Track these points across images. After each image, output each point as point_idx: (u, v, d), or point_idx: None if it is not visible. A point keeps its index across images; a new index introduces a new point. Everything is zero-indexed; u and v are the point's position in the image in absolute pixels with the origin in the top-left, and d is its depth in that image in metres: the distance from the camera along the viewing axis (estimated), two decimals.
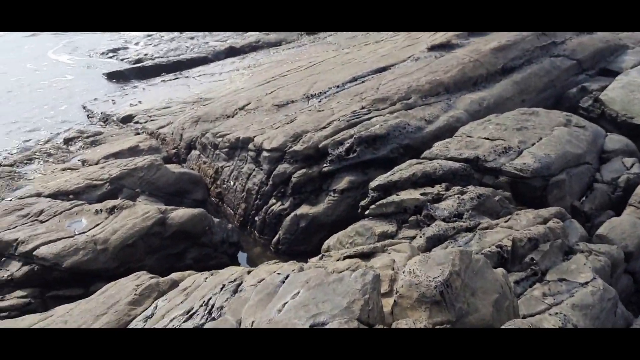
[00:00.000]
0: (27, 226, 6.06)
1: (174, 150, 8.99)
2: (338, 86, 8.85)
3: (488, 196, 5.89)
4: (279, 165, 7.16)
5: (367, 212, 6.00)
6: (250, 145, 7.58)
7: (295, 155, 7.08)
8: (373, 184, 6.33)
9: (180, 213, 6.13)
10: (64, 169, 8.04)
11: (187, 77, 13.44)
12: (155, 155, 8.54)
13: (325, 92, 8.74)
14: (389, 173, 6.41)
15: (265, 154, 7.29)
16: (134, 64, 15.73)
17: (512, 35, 9.61)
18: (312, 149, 7.07)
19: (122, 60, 16.58)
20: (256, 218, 7.28)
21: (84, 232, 5.89)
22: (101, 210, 6.19)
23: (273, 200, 7.12)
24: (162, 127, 9.74)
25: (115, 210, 6.13)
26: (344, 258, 4.54)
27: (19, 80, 15.22)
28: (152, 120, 10.25)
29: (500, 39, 9.51)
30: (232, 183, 7.71)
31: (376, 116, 7.47)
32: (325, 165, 6.96)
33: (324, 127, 7.38)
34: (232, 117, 8.93)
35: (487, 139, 6.74)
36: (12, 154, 9.76)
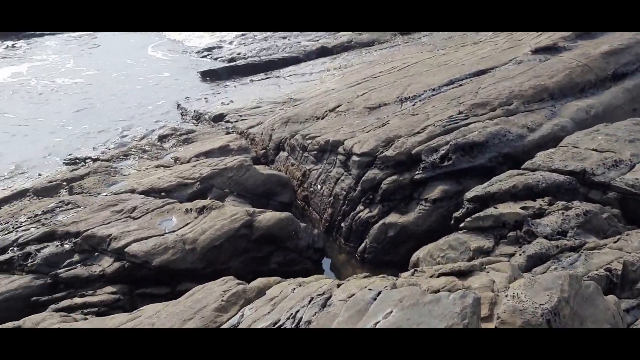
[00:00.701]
0: (121, 222, 6.19)
1: (263, 151, 8.99)
2: (434, 89, 8.51)
3: (595, 213, 5.43)
4: (368, 171, 6.95)
5: (461, 225, 5.67)
6: (340, 149, 7.41)
7: (386, 160, 6.84)
8: (469, 194, 5.99)
9: (267, 216, 6.05)
10: (157, 166, 8.22)
11: (277, 76, 13.50)
12: (245, 156, 8.56)
13: (420, 95, 8.43)
14: (486, 184, 6.05)
15: (354, 158, 7.10)
16: (227, 62, 16.04)
17: (625, 38, 8.90)
18: (405, 155, 6.80)
19: (215, 59, 16.97)
20: (342, 224, 7.09)
21: (173, 231, 5.93)
22: (191, 209, 6.22)
23: (361, 207, 6.91)
24: (251, 127, 9.78)
25: (205, 211, 6.14)
26: (439, 275, 4.26)
27: (119, 76, 15.90)
28: (242, 119, 10.32)
29: (611, 42, 8.83)
30: (319, 187, 7.57)
31: (474, 122, 7.09)
32: (417, 172, 6.67)
33: (418, 132, 7.08)
34: (322, 118, 8.81)
35: (596, 150, 6.24)
36: (109, 149, 10.14)
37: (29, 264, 5.84)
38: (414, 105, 8.19)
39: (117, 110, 12.91)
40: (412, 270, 4.59)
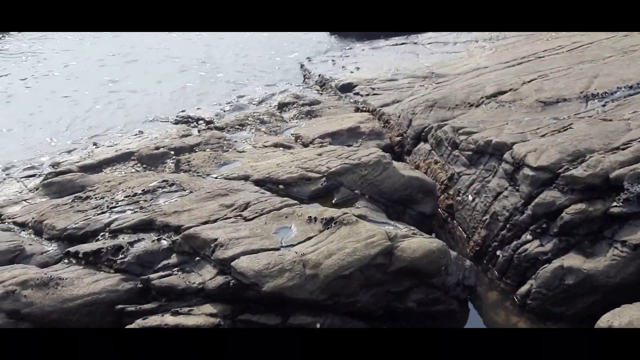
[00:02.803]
0: (230, 223, 5.01)
1: (399, 138, 7.49)
2: (631, 86, 6.59)
3: None
4: (545, 191, 5.32)
5: None
6: (507, 155, 5.79)
7: (573, 182, 5.17)
8: None
9: (413, 245, 4.62)
10: (275, 145, 6.99)
11: (415, 43, 11.82)
12: (377, 142, 7.20)
13: (612, 93, 6.54)
14: None
15: (527, 171, 5.47)
16: None
17: None
18: (600, 178, 5.10)
19: None
20: (499, 253, 5.55)
21: (292, 245, 4.68)
22: (315, 219, 4.92)
23: (528, 236, 5.33)
24: (386, 104, 8.30)
25: (333, 225, 4.82)
26: None
27: None
28: (374, 94, 8.84)
29: None
30: (470, 198, 6.04)
31: None
32: (615, 204, 4.98)
33: (618, 148, 5.33)
34: (477, 106, 7.18)
35: None
36: (225, 111, 9.06)
37: (118, 261, 4.85)
38: (604, 105, 6.34)
39: (239, 62, 12.03)
40: None
